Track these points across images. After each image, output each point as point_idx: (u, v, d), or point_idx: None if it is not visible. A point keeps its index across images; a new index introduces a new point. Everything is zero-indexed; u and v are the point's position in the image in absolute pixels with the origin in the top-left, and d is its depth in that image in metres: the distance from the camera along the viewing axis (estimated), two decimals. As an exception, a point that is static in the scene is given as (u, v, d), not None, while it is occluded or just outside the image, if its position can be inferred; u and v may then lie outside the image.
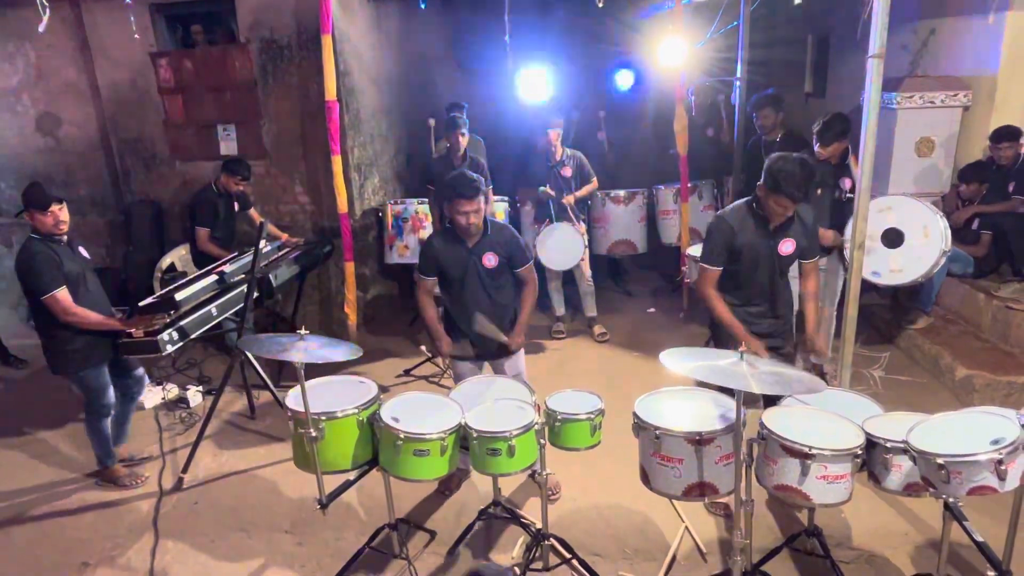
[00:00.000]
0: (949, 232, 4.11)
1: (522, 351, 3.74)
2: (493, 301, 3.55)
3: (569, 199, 5.47)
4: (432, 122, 5.60)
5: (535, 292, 3.67)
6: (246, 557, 3.41)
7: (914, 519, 3.37)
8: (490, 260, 3.49)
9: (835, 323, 4.62)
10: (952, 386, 4.48)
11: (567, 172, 5.54)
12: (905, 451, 2.40)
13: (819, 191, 4.42)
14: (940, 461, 2.23)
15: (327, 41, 4.88)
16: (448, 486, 3.77)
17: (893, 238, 4.19)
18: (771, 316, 3.37)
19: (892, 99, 5.21)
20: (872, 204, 3.79)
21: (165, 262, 5.92)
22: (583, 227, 5.72)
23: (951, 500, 2.54)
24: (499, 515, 3.40)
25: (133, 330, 3.73)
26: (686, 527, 3.40)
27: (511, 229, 3.66)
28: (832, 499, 2.52)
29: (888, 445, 2.47)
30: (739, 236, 3.23)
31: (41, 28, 4.61)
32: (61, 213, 3.60)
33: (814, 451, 2.43)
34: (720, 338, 3.40)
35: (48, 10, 4.53)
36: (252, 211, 5.64)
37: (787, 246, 3.26)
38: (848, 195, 4.37)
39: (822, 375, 4.53)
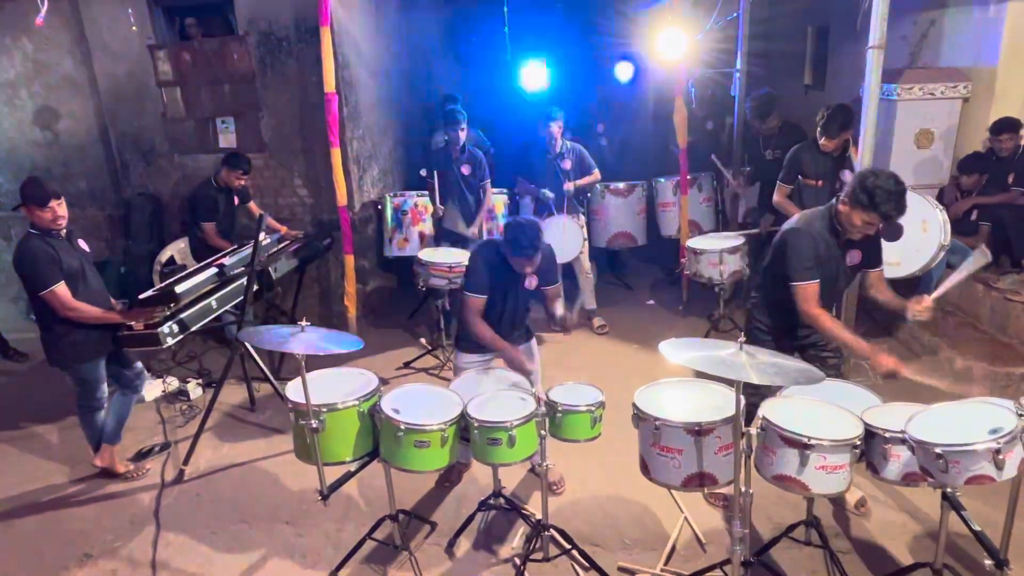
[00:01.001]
0: (948, 226, 4.11)
1: (535, 339, 3.77)
2: (520, 316, 3.61)
3: (569, 186, 5.47)
4: (424, 172, 5.54)
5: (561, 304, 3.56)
6: (247, 548, 3.43)
7: (912, 509, 3.39)
8: (532, 282, 3.47)
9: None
10: (951, 377, 4.49)
11: (567, 164, 5.54)
12: (903, 441, 2.41)
13: (820, 183, 4.43)
14: (938, 451, 2.24)
15: (326, 33, 4.87)
16: (449, 478, 3.79)
17: (891, 231, 4.19)
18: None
19: (892, 90, 5.20)
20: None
21: (165, 255, 5.92)
22: (582, 219, 5.73)
23: (949, 490, 2.55)
24: (500, 506, 3.41)
25: (133, 323, 3.74)
26: (685, 517, 3.42)
27: (550, 248, 3.53)
28: (830, 489, 2.54)
29: (887, 435, 2.49)
30: (821, 248, 3.03)
31: (38, 21, 4.60)
32: (60, 208, 3.59)
33: (813, 441, 2.44)
34: (783, 349, 3.00)
35: (45, 3, 4.52)
36: (251, 204, 5.64)
37: (853, 256, 3.12)
38: None
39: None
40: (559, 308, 3.49)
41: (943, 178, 5.38)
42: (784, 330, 3.26)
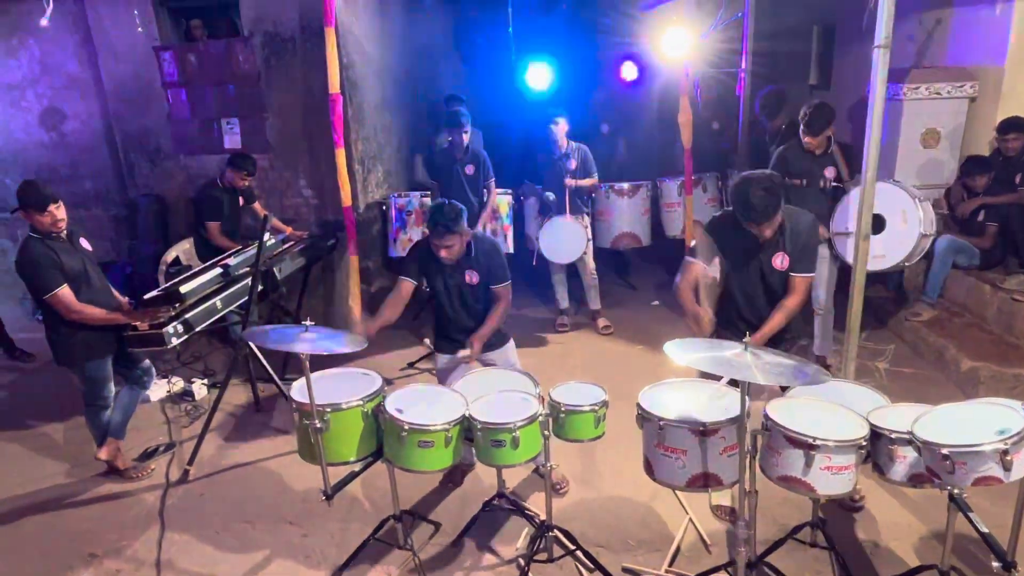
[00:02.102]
0: (931, 216, 4.14)
1: (511, 343, 3.73)
2: (473, 315, 3.56)
3: (570, 182, 5.45)
4: (422, 175, 5.61)
5: (506, 310, 3.57)
6: (251, 548, 3.43)
7: (918, 510, 3.37)
8: (472, 277, 3.50)
9: (833, 313, 4.61)
10: (957, 378, 4.47)
11: (572, 165, 5.53)
12: (910, 442, 2.40)
13: (804, 182, 4.41)
14: (945, 452, 2.22)
15: (330, 34, 4.86)
16: (452, 478, 3.79)
17: (875, 224, 4.18)
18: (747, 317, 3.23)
19: (898, 90, 5.19)
20: (855, 192, 3.79)
21: (170, 255, 5.93)
22: (586, 220, 5.72)
23: (956, 491, 2.53)
24: (503, 507, 3.41)
25: (139, 323, 3.75)
26: (690, 519, 3.40)
27: (494, 243, 3.60)
28: (836, 490, 2.52)
29: (893, 436, 2.47)
30: (721, 242, 3.17)
31: (44, 22, 4.62)
32: (58, 212, 3.59)
33: (818, 442, 2.42)
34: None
35: (51, 3, 4.54)
36: (256, 205, 5.65)
37: (780, 260, 3.11)
38: (833, 183, 4.37)
39: (826, 367, 4.52)
40: (483, 328, 3.48)
41: (949, 178, 5.36)
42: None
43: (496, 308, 3.53)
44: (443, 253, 3.37)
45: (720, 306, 3.28)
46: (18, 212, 3.62)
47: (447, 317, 3.59)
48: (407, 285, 3.54)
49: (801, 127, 4.37)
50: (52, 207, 3.55)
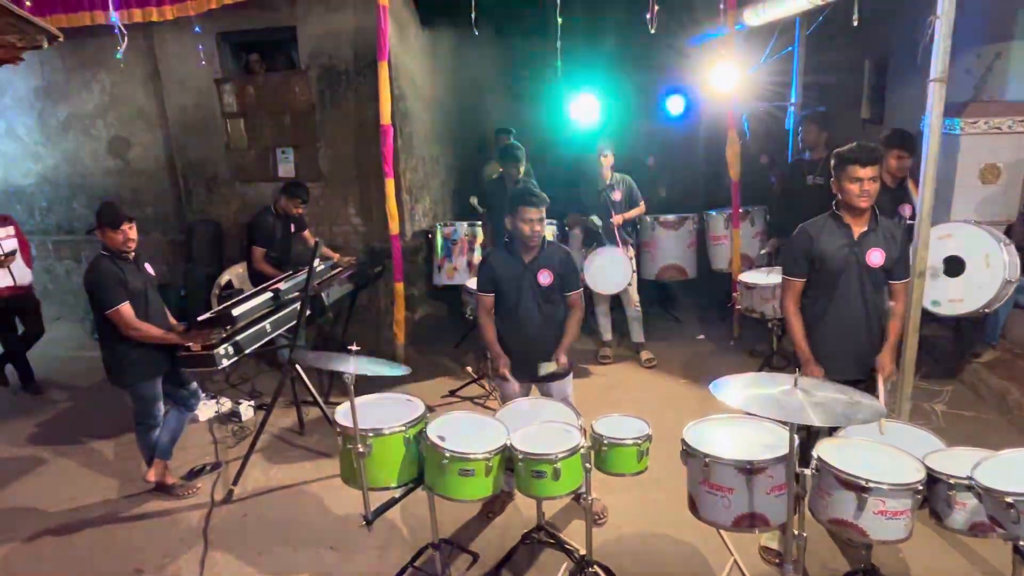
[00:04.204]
0: (1017, 262, 3.94)
1: (570, 376, 3.73)
2: (545, 318, 3.58)
3: (617, 219, 5.46)
4: (474, 201, 5.84)
5: (581, 318, 3.69)
6: (291, 571, 3.45)
7: (980, 562, 3.20)
8: (545, 277, 3.54)
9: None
10: (1021, 423, 4.27)
11: (617, 196, 5.53)
12: (970, 488, 2.30)
13: None
14: (1009, 499, 2.12)
15: (383, 68, 5.02)
16: (492, 508, 3.76)
17: (954, 266, 4.04)
18: (858, 338, 3.19)
19: (955, 124, 5.06)
20: (932, 231, 3.67)
21: (223, 279, 6.11)
22: (631, 251, 5.69)
23: (1021, 542, 2.40)
24: (543, 540, 3.36)
25: (191, 344, 3.87)
26: (735, 560, 3.30)
27: (566, 250, 3.71)
28: (890, 536, 2.42)
29: (951, 481, 2.37)
30: (818, 241, 3.14)
31: (119, 54, 4.87)
32: (131, 231, 3.80)
33: (871, 484, 2.34)
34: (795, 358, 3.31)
35: (126, 38, 4.79)
36: (306, 233, 5.79)
37: (875, 256, 3.10)
38: (908, 222, 4.24)
39: None
40: (565, 339, 3.58)
41: (1011, 214, 5.18)
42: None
43: (572, 316, 3.62)
44: (536, 228, 3.46)
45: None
46: (94, 232, 3.84)
47: (516, 324, 3.58)
48: (489, 299, 3.62)
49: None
50: (126, 226, 3.77)
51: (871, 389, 3.05)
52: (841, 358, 3.17)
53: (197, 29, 5.80)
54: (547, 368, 3.51)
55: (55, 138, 7.01)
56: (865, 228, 3.12)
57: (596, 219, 5.46)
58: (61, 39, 3.95)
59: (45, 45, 3.87)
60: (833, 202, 3.18)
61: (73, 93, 6.80)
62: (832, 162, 3.11)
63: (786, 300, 3.28)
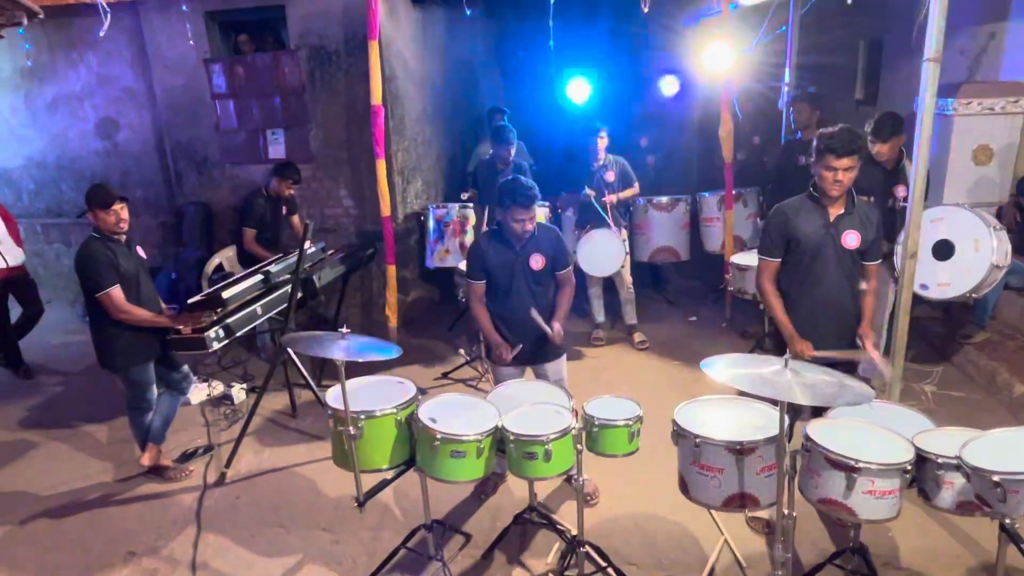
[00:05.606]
0: (1007, 247, 3.94)
1: (564, 358, 3.73)
2: (537, 302, 3.56)
3: (611, 198, 5.42)
4: (465, 196, 5.80)
5: (572, 293, 3.70)
6: (284, 553, 3.46)
7: (967, 540, 3.24)
8: (537, 262, 3.52)
9: (885, 338, 4.47)
10: (1009, 403, 4.30)
11: (610, 177, 5.51)
12: (958, 467, 2.31)
13: (871, 199, 4.30)
14: (996, 479, 2.14)
15: (374, 47, 4.96)
16: (484, 489, 3.77)
17: (943, 250, 4.04)
18: (834, 316, 3.21)
19: (948, 105, 5.05)
20: (924, 214, 3.67)
21: (213, 262, 6.07)
22: (624, 233, 5.68)
23: (1007, 520, 2.42)
24: (535, 520, 3.38)
25: (182, 327, 3.85)
26: (725, 539, 3.33)
27: (555, 230, 3.69)
28: (879, 515, 2.43)
29: (940, 461, 2.38)
30: (794, 223, 3.15)
31: (101, 32, 4.79)
32: (123, 212, 3.77)
33: (860, 464, 2.35)
34: (778, 339, 3.31)
35: (109, 16, 4.71)
36: (295, 218, 5.72)
37: (851, 238, 3.13)
38: (902, 204, 4.23)
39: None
40: (559, 311, 3.56)
41: (1001, 196, 5.18)
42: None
43: (564, 290, 3.63)
44: (527, 227, 3.42)
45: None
46: (84, 216, 3.80)
47: (510, 309, 3.55)
48: (480, 286, 3.59)
49: (869, 136, 4.25)
50: (117, 206, 3.73)
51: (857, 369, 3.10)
52: (822, 333, 3.19)
53: (184, 8, 5.71)
54: (536, 316, 3.46)
55: (42, 119, 6.92)
56: (842, 211, 3.14)
57: (589, 189, 5.41)
58: (41, 16, 3.89)
59: (25, 22, 3.81)
60: (811, 183, 3.18)
61: (60, 73, 6.70)
62: (814, 142, 3.10)
63: (762, 280, 3.30)
